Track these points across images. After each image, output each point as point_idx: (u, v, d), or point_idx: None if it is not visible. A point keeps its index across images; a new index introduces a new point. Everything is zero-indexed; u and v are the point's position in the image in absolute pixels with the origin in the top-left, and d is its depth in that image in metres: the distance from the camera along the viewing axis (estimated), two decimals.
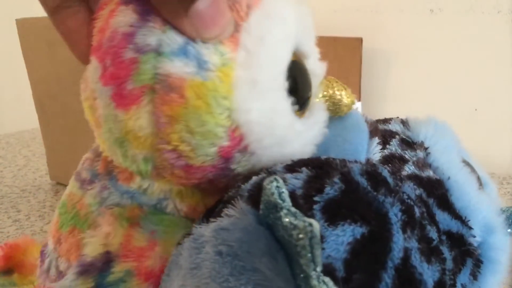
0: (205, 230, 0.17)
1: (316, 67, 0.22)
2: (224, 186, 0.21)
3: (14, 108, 1.22)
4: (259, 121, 0.20)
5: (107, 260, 0.20)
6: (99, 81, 0.20)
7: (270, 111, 0.20)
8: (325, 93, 0.23)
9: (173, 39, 0.19)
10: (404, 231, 0.18)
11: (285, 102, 0.21)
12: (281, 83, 0.20)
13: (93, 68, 0.20)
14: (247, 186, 0.19)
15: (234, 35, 0.19)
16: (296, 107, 0.21)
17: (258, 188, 0.18)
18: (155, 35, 0.19)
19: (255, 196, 0.18)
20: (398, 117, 0.27)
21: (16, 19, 0.62)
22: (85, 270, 0.20)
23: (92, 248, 0.21)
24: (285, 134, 0.21)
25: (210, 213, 0.19)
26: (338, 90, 0.23)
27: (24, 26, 0.62)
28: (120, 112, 0.20)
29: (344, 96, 0.23)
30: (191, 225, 0.20)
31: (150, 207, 0.22)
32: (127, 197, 0.22)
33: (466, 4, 0.66)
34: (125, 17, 0.19)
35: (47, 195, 0.61)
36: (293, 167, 0.20)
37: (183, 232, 0.20)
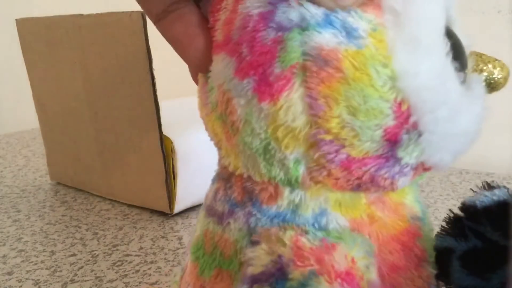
0: None
1: (461, 36, 0.20)
2: (386, 190, 0.19)
3: (14, 108, 1.22)
4: (429, 85, 0.17)
5: (280, 266, 0.17)
6: (235, 77, 0.18)
7: (439, 73, 0.18)
8: (476, 67, 0.21)
9: (314, 12, 0.17)
10: None
11: (451, 66, 0.18)
12: (444, 44, 0.18)
13: (223, 67, 0.19)
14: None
15: (374, 1, 0.18)
16: (461, 75, 0.19)
17: None
18: (295, 10, 0.17)
19: None
20: None
21: (16, 19, 0.62)
22: (257, 280, 0.18)
23: (259, 260, 0.18)
24: (457, 104, 0.18)
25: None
26: (488, 62, 0.21)
27: (24, 26, 0.62)
28: (267, 104, 0.18)
29: (497, 68, 0.21)
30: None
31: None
32: (277, 221, 0.20)
33: (466, 4, 0.66)
34: None
35: (47, 195, 0.61)
36: None
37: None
